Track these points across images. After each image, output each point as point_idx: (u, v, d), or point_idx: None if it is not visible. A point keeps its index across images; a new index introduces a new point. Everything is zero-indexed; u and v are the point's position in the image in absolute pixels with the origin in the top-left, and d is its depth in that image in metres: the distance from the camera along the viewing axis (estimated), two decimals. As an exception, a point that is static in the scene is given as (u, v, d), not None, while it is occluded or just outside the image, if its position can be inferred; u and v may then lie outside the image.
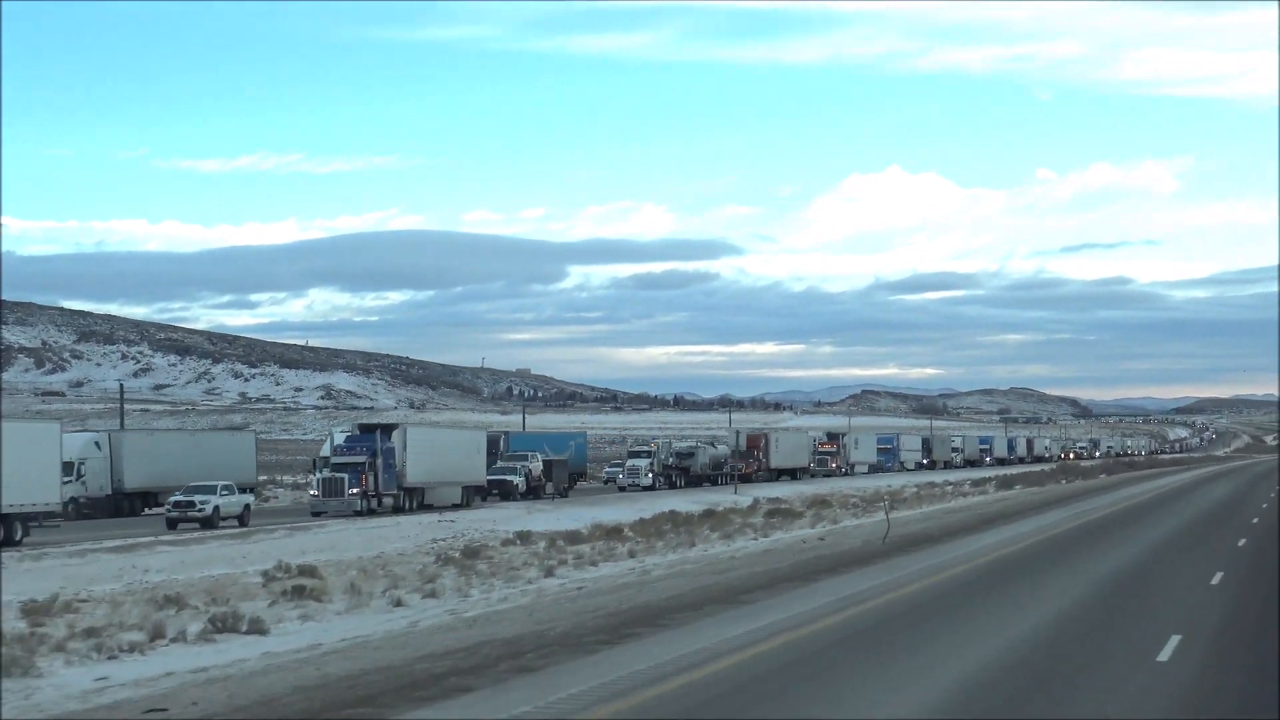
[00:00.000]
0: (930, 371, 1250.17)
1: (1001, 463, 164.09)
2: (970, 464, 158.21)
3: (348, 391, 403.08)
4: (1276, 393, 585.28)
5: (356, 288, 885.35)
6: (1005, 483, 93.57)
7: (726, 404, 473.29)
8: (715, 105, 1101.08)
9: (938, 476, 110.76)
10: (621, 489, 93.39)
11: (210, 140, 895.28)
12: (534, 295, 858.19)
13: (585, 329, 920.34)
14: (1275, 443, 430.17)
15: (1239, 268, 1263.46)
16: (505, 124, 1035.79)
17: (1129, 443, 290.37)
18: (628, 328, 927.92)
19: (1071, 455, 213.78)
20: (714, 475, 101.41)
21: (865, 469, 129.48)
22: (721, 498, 77.47)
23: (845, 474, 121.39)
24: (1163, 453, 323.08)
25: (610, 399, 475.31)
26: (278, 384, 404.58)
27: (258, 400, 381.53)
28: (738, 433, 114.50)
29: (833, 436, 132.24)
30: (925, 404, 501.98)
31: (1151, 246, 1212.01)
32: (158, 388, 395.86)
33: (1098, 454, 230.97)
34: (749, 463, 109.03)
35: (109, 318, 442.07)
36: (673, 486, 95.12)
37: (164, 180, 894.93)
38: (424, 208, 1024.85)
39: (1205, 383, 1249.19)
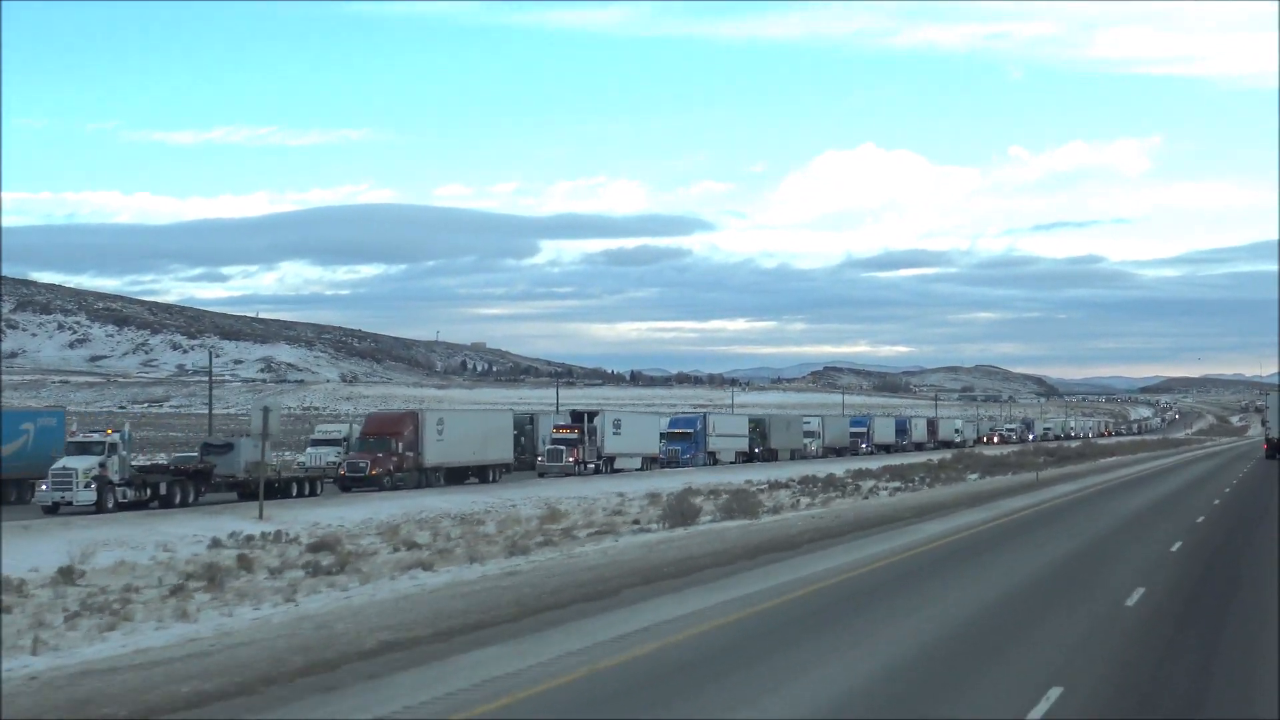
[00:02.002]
0: (901, 349, 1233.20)
1: (886, 449, 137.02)
2: (835, 452, 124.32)
3: (289, 364, 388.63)
4: (1249, 373, 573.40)
5: (328, 261, 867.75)
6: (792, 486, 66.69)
7: (684, 379, 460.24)
8: (689, 81, 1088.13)
9: (738, 475, 76.65)
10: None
11: (183, 112, 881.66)
12: (505, 270, 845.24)
13: (557, 304, 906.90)
14: (1240, 424, 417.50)
15: (1210, 247, 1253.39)
16: (478, 98, 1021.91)
17: (1076, 424, 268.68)
18: (599, 303, 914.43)
19: (996, 439, 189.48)
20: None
21: (639, 463, 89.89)
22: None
23: (596, 471, 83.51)
24: (1118, 433, 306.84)
25: (565, 374, 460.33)
26: (217, 356, 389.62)
27: (196, 373, 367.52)
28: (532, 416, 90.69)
29: (577, 418, 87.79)
30: (888, 381, 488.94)
31: (1123, 225, 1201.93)
32: (94, 359, 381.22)
33: (1031, 437, 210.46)
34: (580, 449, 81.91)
35: (52, 287, 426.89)
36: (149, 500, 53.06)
37: (137, 152, 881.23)
38: (396, 182, 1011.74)
39: (1174, 362, 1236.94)
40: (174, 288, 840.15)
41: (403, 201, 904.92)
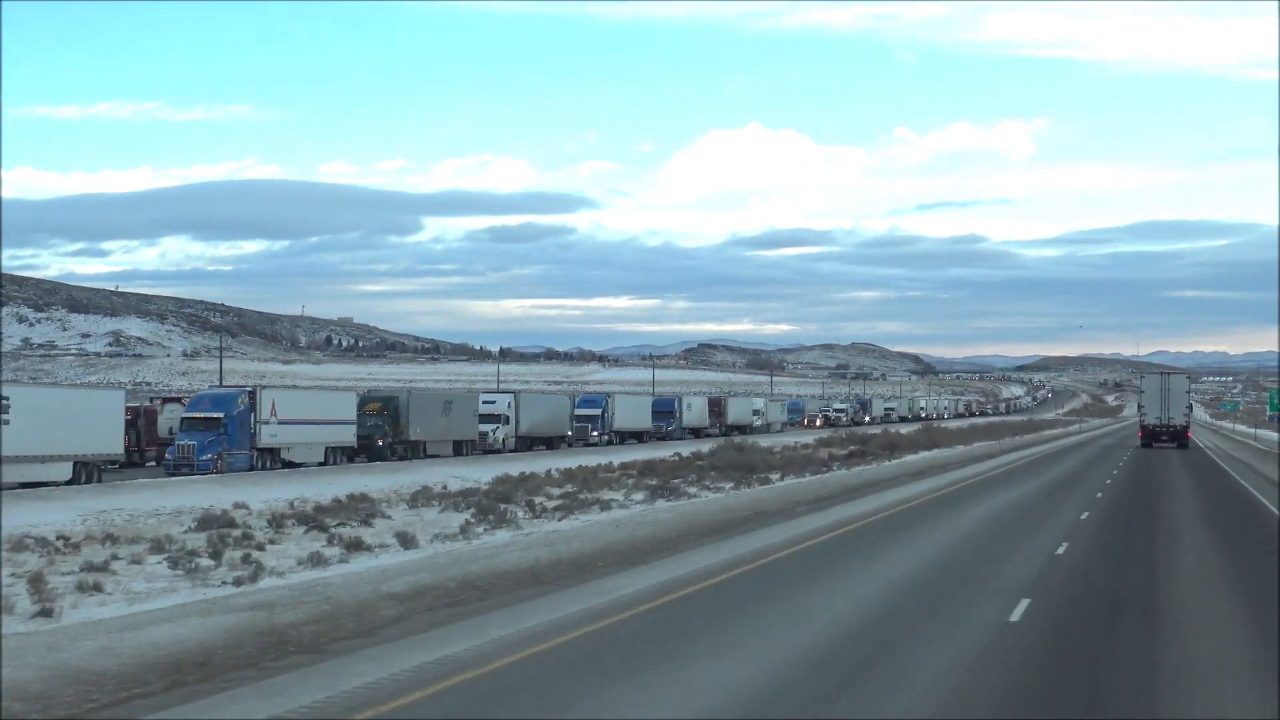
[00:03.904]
0: (784, 328, 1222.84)
1: (635, 438, 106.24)
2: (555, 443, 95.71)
3: (139, 339, 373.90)
4: (1127, 352, 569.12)
5: (210, 237, 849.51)
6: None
7: (553, 356, 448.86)
8: (578, 60, 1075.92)
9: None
10: None
11: (67, 87, 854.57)
12: (389, 247, 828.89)
13: (440, 281, 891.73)
14: (1115, 403, 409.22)
15: (1090, 227, 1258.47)
16: (364, 75, 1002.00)
17: (928, 403, 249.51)
18: (483, 280, 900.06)
19: (818, 421, 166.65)
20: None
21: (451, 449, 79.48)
22: None
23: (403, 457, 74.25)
24: (982, 413, 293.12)
25: (431, 349, 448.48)
26: (64, 329, 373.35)
27: (40, 346, 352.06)
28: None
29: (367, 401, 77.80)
30: (762, 358, 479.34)
31: (1005, 206, 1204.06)
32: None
33: (867, 419, 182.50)
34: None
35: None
36: None
37: (18, 126, 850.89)
38: (280, 158, 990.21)
39: (1054, 342, 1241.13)
40: (54, 263, 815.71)
41: (287, 178, 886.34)
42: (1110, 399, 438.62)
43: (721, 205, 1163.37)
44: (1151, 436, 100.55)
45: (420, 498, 43.10)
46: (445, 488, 47.76)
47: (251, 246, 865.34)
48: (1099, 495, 50.09)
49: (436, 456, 76.38)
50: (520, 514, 37.60)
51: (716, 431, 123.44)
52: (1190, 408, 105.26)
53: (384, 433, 74.17)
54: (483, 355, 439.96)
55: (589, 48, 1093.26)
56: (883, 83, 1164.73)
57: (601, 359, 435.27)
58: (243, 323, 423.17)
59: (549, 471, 56.63)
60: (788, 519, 38.45)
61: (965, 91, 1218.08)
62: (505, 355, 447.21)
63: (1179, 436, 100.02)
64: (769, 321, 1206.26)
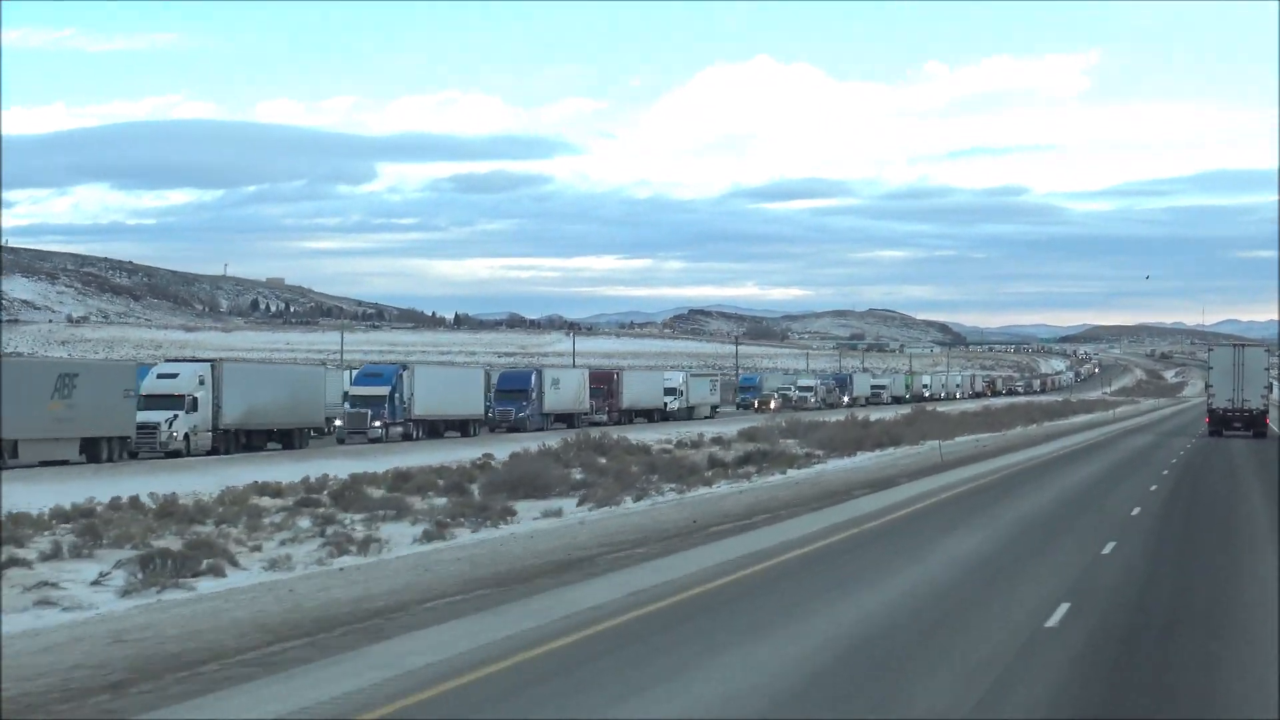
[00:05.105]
0: (793, 292, 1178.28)
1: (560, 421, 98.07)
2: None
3: (23, 301, 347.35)
4: (1190, 321, 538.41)
5: (131, 186, 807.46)
6: None
7: (516, 324, 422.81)
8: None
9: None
10: None
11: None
12: (338, 198, 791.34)
13: (398, 238, 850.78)
14: (1176, 379, 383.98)
15: (1149, 177, 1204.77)
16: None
17: (932, 380, 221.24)
18: (446, 237, 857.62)
19: (771, 404, 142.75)
20: None
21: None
22: None
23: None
24: (1011, 392, 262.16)
25: (375, 316, 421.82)
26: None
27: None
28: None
29: None
30: (764, 327, 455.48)
31: (1050, 153, 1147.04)
32: None
33: (846, 400, 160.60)
34: None
35: None
36: None
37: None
38: (213, 94, 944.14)
39: (1106, 309, 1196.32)
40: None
41: (220, 117, 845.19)
42: (1169, 375, 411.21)
43: (722, 151, 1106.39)
44: (1222, 423, 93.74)
45: None
46: None
47: (179, 197, 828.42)
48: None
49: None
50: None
51: (605, 418, 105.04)
52: (1270, 387, 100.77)
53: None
54: (435, 322, 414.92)
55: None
56: (910, 9, 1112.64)
57: (572, 327, 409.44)
58: (153, 284, 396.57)
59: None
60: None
61: (1005, 20, 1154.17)
62: (461, 323, 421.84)
63: (1256, 424, 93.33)
64: (776, 285, 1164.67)
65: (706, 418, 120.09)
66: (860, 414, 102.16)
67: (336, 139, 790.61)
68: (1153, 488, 45.77)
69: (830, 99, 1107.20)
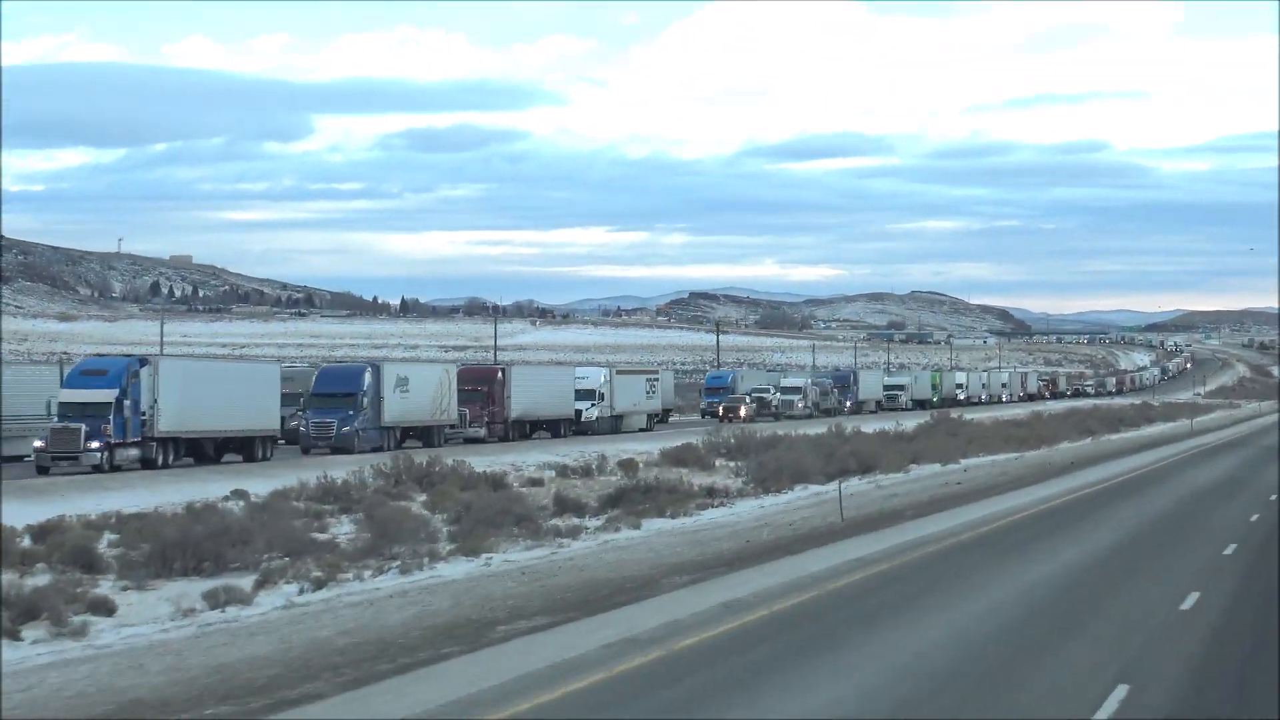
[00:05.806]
0: (822, 271, 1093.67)
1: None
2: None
3: None
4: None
5: (16, 144, 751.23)
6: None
7: (476, 311, 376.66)
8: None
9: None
10: None
11: None
12: (268, 158, 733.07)
13: (339, 206, 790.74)
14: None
15: (1253, 130, 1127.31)
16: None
17: (972, 379, 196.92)
18: (399, 205, 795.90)
19: (741, 411, 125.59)
20: None
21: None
22: None
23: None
24: (1076, 393, 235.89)
25: (303, 301, 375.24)
26: None
27: None
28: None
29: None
30: (780, 314, 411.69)
31: (1135, 101, 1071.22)
32: None
33: (848, 404, 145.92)
34: None
35: None
36: None
37: None
38: (115, 33, 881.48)
39: (1202, 290, 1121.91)
40: None
41: (123, 60, 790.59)
42: (1278, 371, 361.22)
43: (735, 100, 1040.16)
44: None
45: None
46: None
47: (71, 158, 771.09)
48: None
49: None
50: None
51: (483, 432, 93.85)
52: None
53: None
54: (376, 309, 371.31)
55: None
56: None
57: (542, 314, 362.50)
58: (29, 263, 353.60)
59: None
60: None
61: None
62: (408, 310, 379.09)
63: None
64: (800, 263, 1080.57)
65: (642, 429, 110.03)
66: (854, 424, 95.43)
67: (265, 86, 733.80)
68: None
69: (867, 36, 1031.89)
